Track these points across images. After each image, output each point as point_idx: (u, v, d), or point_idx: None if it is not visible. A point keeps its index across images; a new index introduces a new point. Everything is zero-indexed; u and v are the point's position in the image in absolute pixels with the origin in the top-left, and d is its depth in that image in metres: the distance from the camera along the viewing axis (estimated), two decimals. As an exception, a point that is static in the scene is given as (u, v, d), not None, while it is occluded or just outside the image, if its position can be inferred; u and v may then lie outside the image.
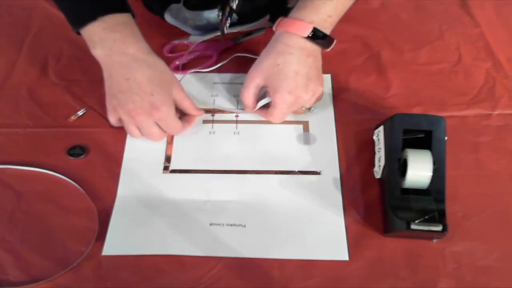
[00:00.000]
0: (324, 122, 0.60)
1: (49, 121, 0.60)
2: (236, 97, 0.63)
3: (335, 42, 0.55)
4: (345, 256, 0.50)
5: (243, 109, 0.61)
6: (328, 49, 0.56)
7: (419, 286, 0.49)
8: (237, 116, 0.61)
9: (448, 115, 0.55)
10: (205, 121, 0.61)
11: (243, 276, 0.49)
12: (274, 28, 0.56)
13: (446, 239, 0.50)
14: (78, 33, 0.52)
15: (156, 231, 0.52)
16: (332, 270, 0.49)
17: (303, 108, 0.58)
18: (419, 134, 0.53)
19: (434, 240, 0.51)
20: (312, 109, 0.59)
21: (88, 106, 0.61)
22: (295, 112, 0.60)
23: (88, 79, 0.64)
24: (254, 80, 0.56)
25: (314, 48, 0.55)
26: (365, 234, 0.52)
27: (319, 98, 0.59)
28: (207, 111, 0.62)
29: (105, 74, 0.54)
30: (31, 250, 0.50)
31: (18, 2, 0.74)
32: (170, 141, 0.59)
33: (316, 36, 0.53)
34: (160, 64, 0.55)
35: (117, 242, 0.51)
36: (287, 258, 0.50)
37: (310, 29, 0.53)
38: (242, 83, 0.64)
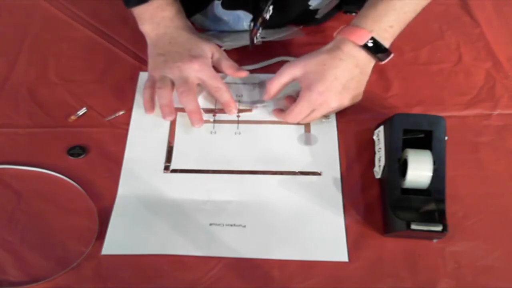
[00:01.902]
0: (325, 123, 0.60)
1: (49, 121, 0.60)
2: (238, 97, 0.63)
3: (391, 55, 0.54)
4: (344, 257, 0.50)
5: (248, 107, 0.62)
6: (383, 62, 0.55)
7: (419, 286, 0.49)
8: (238, 116, 0.61)
9: (448, 115, 0.55)
10: (206, 121, 0.61)
11: (243, 276, 0.49)
12: (334, 34, 0.55)
13: (446, 239, 0.50)
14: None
15: (156, 231, 0.52)
16: (332, 270, 0.49)
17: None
18: (419, 134, 0.53)
19: (434, 240, 0.51)
20: (329, 117, 0.60)
21: (88, 106, 0.61)
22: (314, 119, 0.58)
23: (88, 79, 0.65)
24: (293, 70, 0.56)
25: (366, 60, 0.54)
26: (365, 234, 0.52)
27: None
28: (208, 110, 0.62)
29: (150, 46, 0.60)
30: (31, 250, 0.50)
31: (18, 2, 0.74)
32: (171, 141, 0.59)
33: (374, 46, 0.52)
34: (199, 33, 0.61)
35: (117, 242, 0.51)
36: (287, 259, 0.50)
37: (368, 37, 0.52)
38: (244, 83, 0.64)
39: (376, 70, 0.66)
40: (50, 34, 0.70)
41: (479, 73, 0.66)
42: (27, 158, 0.57)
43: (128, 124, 0.60)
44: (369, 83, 0.64)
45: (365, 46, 0.53)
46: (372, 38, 0.52)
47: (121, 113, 0.60)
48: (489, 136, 0.60)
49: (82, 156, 0.57)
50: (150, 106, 0.59)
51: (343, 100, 0.55)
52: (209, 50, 0.59)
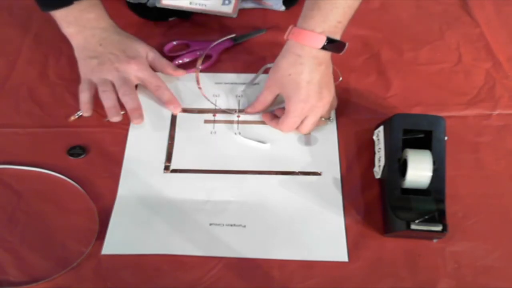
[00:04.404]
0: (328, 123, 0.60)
1: (49, 121, 0.60)
2: (238, 97, 0.63)
3: (347, 45, 0.54)
4: (344, 258, 0.50)
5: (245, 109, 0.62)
6: (341, 53, 0.54)
7: (419, 286, 0.49)
8: (238, 116, 0.61)
9: (448, 115, 0.55)
10: (206, 121, 0.61)
11: (243, 276, 0.49)
12: (285, 37, 0.55)
13: (446, 239, 0.50)
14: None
15: (156, 230, 0.52)
16: (332, 270, 0.49)
17: (323, 119, 0.58)
18: (419, 134, 0.53)
19: (434, 240, 0.51)
20: (331, 118, 0.60)
21: (88, 106, 0.61)
22: (317, 124, 0.58)
23: (88, 79, 0.64)
24: (270, 87, 0.57)
25: (326, 55, 0.54)
26: (365, 234, 0.52)
27: (333, 106, 0.59)
28: (208, 111, 0.62)
29: (77, 49, 0.60)
30: (31, 250, 0.50)
31: (18, 2, 0.74)
32: (171, 141, 0.59)
33: (329, 44, 0.52)
34: (128, 34, 0.62)
35: (117, 241, 0.51)
36: (287, 259, 0.50)
37: (323, 40, 0.51)
38: (244, 83, 0.64)
39: (376, 70, 0.66)
40: (50, 34, 0.70)
41: (479, 73, 0.66)
42: (27, 158, 0.57)
43: (128, 124, 0.60)
44: (369, 83, 0.65)
45: (322, 46, 0.52)
46: (327, 38, 0.52)
47: (121, 113, 0.60)
48: (489, 136, 0.60)
49: (82, 156, 0.57)
50: (88, 107, 0.58)
51: (326, 97, 0.55)
52: (143, 50, 0.60)
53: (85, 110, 0.58)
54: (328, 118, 0.59)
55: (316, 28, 0.52)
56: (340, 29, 0.53)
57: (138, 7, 0.71)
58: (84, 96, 0.58)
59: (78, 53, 0.60)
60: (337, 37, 0.53)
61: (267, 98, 0.58)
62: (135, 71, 0.59)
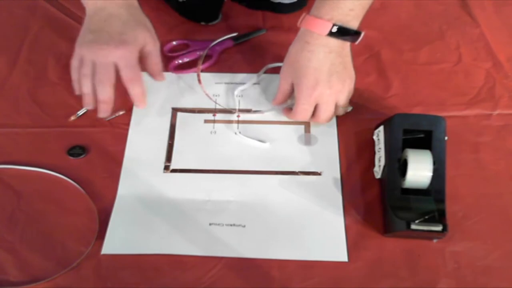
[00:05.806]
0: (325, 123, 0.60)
1: (49, 121, 0.60)
2: (238, 97, 0.63)
3: (362, 34, 0.54)
4: (344, 258, 0.50)
5: (249, 109, 0.62)
6: (356, 42, 0.54)
7: (419, 286, 0.49)
8: (238, 116, 0.61)
9: (448, 115, 0.55)
10: (206, 121, 0.61)
11: (243, 276, 0.49)
12: (298, 24, 0.55)
13: (446, 239, 0.50)
14: None
15: (156, 230, 0.52)
16: (332, 270, 0.49)
17: (341, 108, 0.58)
18: (419, 134, 0.53)
19: (434, 240, 0.51)
20: (349, 108, 0.60)
21: (88, 106, 0.61)
22: (337, 114, 0.59)
23: (88, 79, 0.65)
24: (284, 76, 0.58)
25: (338, 44, 0.53)
26: (365, 234, 0.52)
27: (350, 94, 0.58)
28: (208, 110, 0.62)
29: (86, 17, 0.55)
30: (31, 250, 0.50)
31: (18, 2, 0.74)
32: (171, 141, 0.59)
33: (340, 31, 0.52)
34: (142, 16, 0.57)
35: (117, 241, 0.51)
36: (287, 259, 0.50)
37: (329, 26, 0.52)
38: (244, 83, 0.64)
39: (376, 70, 0.66)
40: (50, 34, 0.70)
41: (479, 73, 0.66)
42: (27, 158, 0.57)
43: (128, 124, 0.60)
44: (369, 83, 0.65)
45: (331, 34, 0.52)
46: (335, 25, 0.52)
47: (121, 113, 0.61)
48: (489, 136, 0.60)
49: (82, 156, 0.57)
50: (78, 88, 0.56)
51: (338, 84, 0.55)
52: (142, 39, 0.55)
53: (76, 89, 0.56)
54: (346, 107, 0.59)
55: (324, 16, 0.52)
56: (354, 18, 0.53)
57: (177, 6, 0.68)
58: (75, 74, 0.56)
59: (84, 22, 0.56)
60: (350, 25, 0.53)
61: (285, 88, 0.58)
62: (116, 58, 0.53)
